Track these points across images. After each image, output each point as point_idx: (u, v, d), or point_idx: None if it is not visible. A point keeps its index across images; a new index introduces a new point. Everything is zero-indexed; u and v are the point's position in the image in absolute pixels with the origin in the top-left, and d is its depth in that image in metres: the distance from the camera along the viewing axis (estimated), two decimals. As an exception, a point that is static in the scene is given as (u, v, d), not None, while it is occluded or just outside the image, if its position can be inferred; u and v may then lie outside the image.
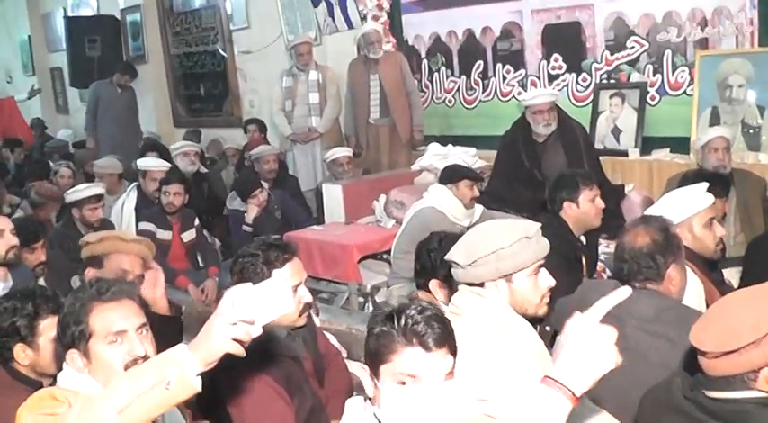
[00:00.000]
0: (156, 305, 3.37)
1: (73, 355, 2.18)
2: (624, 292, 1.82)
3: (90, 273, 3.33)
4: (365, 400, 2.12)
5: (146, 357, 2.14)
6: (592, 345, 1.70)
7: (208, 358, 1.76)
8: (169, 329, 3.26)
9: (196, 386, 1.74)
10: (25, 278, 4.16)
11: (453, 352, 1.98)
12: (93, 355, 2.16)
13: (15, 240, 4.13)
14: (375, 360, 2.00)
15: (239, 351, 1.76)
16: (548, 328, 3.35)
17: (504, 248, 2.54)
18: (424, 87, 7.70)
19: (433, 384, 1.93)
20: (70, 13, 12.23)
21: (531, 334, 2.63)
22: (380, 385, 2.00)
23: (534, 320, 2.72)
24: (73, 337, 2.16)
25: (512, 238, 2.55)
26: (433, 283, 3.32)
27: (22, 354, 2.73)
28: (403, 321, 1.96)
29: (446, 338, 1.97)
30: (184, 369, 1.73)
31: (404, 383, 1.95)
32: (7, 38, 14.79)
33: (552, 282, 2.64)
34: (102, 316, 2.17)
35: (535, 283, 2.63)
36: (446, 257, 2.70)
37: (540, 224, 2.68)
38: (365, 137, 7.59)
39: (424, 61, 7.70)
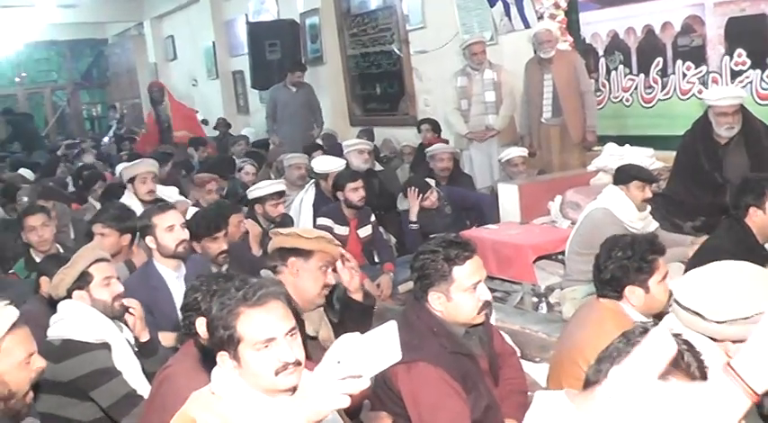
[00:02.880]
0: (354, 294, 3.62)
1: (223, 357, 2.16)
2: None
3: (293, 262, 3.46)
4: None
5: (296, 363, 2.13)
6: None
7: (313, 419, 1.86)
8: (360, 315, 3.58)
9: None
10: (198, 267, 4.33)
11: None
12: (243, 360, 2.13)
13: (186, 234, 4.32)
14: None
15: (347, 404, 1.82)
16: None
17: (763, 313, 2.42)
18: (600, 86, 7.57)
19: None
20: (252, 19, 12.69)
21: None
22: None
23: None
24: (222, 341, 2.15)
25: None
26: (631, 290, 3.19)
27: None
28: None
29: None
30: None
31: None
32: (193, 44, 15.61)
33: None
34: (250, 322, 2.13)
35: None
36: (683, 302, 2.50)
37: None
38: (537, 137, 7.55)
39: (602, 59, 7.56)
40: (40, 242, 5.40)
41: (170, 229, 4.23)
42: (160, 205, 4.45)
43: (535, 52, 7.52)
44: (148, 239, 4.27)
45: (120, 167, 7.92)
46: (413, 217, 6.38)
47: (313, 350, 2.24)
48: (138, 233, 4.71)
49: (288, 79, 10.27)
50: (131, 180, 6.18)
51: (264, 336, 2.12)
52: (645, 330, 1.91)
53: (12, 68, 21.94)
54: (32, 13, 16.42)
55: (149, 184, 6.16)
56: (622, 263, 3.17)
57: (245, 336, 2.12)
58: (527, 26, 7.89)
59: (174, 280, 4.23)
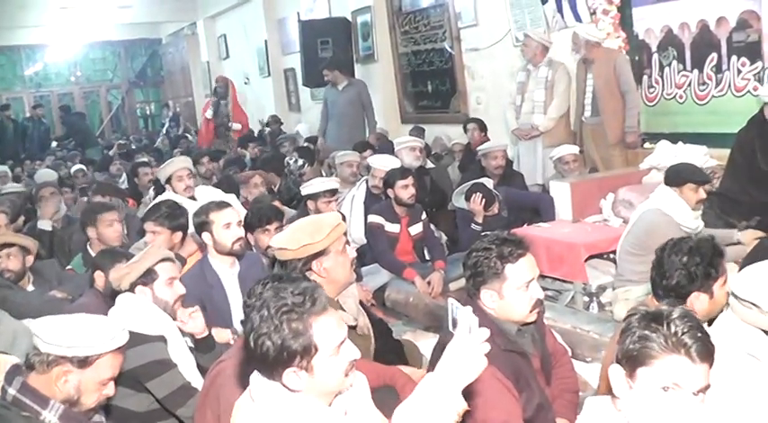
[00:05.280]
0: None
1: (289, 375, 2.08)
2: None
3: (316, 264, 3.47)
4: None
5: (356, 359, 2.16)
6: None
7: (464, 385, 1.94)
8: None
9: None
10: (252, 265, 4.40)
11: (711, 367, 1.98)
12: (317, 369, 2.08)
13: (242, 232, 4.39)
14: (633, 362, 2.01)
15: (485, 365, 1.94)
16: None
17: None
18: (654, 83, 7.47)
19: (692, 396, 1.94)
20: (304, 17, 12.74)
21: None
22: (636, 387, 2.02)
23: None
24: (294, 354, 2.05)
25: None
26: (696, 296, 3.14)
27: None
28: (669, 328, 1.96)
29: (710, 353, 1.96)
30: (460, 403, 1.94)
31: (667, 390, 1.96)
32: (245, 43, 15.75)
33: None
34: (322, 329, 2.09)
35: None
36: (740, 295, 2.54)
37: None
38: (581, 136, 7.49)
39: (655, 55, 7.46)
40: (115, 237, 5.50)
41: (227, 227, 4.29)
42: (218, 202, 4.50)
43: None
44: (205, 236, 4.33)
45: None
46: (479, 220, 6.37)
47: (351, 340, 2.24)
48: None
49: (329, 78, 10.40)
50: (168, 180, 6.28)
51: (338, 340, 2.12)
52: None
53: (68, 67, 22.41)
54: (89, 13, 16.70)
55: (186, 180, 6.24)
56: (690, 269, 3.11)
57: (320, 344, 2.08)
58: (579, 22, 7.83)
59: (230, 277, 4.29)
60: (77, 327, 2.58)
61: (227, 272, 4.30)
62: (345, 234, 3.57)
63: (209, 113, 13.08)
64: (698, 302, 3.11)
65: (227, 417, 2.64)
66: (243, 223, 4.53)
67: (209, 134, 13.23)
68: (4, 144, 15.15)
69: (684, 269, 3.11)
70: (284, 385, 2.11)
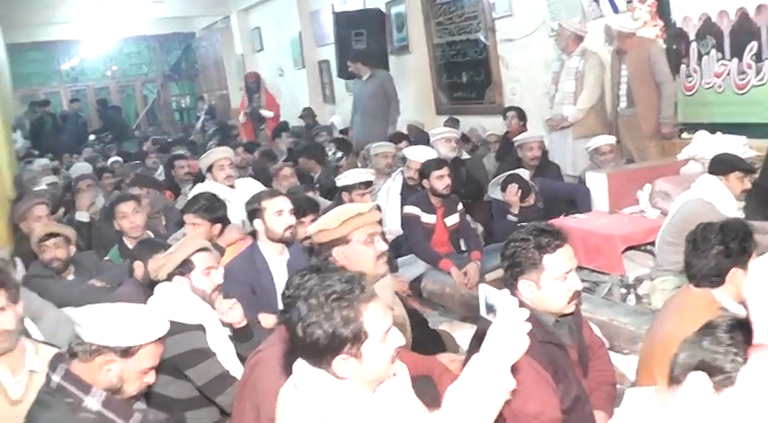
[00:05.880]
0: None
1: (339, 362, 2.10)
2: None
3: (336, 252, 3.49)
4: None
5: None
6: None
7: (511, 363, 2.01)
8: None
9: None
10: (300, 253, 4.44)
11: None
12: (365, 356, 2.11)
13: (293, 220, 4.42)
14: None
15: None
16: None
17: None
18: (692, 72, 7.38)
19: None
20: (337, 9, 12.73)
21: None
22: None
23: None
24: (344, 341, 2.07)
25: None
26: (733, 273, 3.15)
27: None
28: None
29: None
30: (510, 381, 2.00)
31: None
32: (279, 35, 15.78)
33: None
34: (371, 315, 2.11)
35: None
36: None
37: None
38: (616, 126, 7.43)
39: (693, 44, 7.35)
40: (132, 228, 5.59)
41: (279, 214, 4.34)
42: (270, 190, 4.55)
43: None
44: (257, 222, 4.38)
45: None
46: (514, 211, 6.36)
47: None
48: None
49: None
50: (209, 169, 6.34)
51: (386, 326, 2.14)
52: (731, 328, 1.89)
53: (104, 62, 22.65)
54: (124, 9, 16.85)
55: (227, 169, 6.33)
56: (728, 245, 3.15)
57: (370, 330, 2.10)
58: (615, 11, 7.75)
59: (278, 264, 4.34)
60: (120, 317, 2.61)
61: (276, 259, 4.34)
62: (377, 225, 3.55)
63: (242, 118, 13.22)
64: (735, 280, 3.11)
65: (266, 406, 2.67)
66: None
67: (249, 134, 13.34)
68: (42, 138, 15.35)
69: (721, 244, 3.16)
70: (333, 373, 2.12)
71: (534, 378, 2.70)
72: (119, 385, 2.59)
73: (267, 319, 4.00)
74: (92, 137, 17.19)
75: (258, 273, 4.27)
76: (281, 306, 4.09)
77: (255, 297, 3.94)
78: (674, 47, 7.31)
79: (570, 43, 7.61)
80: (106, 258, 5.75)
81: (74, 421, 2.51)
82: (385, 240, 3.66)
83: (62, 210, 7.36)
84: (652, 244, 5.31)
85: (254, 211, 4.40)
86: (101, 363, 2.56)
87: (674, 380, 1.96)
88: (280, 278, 4.24)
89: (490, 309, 2.11)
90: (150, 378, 2.69)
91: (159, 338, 2.65)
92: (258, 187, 6.17)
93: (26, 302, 4.40)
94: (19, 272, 5.34)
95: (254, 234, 4.54)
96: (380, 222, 3.63)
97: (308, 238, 4.68)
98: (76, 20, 17.66)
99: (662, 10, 7.44)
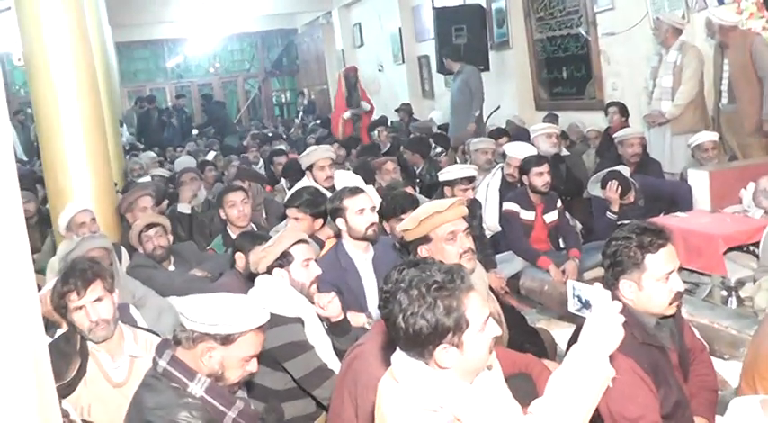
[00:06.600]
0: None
1: (440, 352, 2.12)
2: None
3: (422, 249, 3.52)
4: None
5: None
6: None
7: (608, 354, 2.10)
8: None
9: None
10: (386, 250, 4.39)
11: None
12: (466, 345, 2.13)
13: (375, 217, 4.41)
14: None
15: None
16: None
17: None
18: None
19: None
20: (438, 4, 12.66)
21: None
22: None
23: None
24: (447, 329, 2.10)
25: None
26: None
27: None
28: None
29: None
30: (610, 370, 2.09)
31: None
32: (380, 30, 15.87)
33: None
34: (472, 304, 2.14)
35: None
36: None
37: None
38: (718, 123, 7.21)
39: (801, 37, 7.12)
40: (240, 217, 5.72)
41: (361, 212, 4.31)
42: (351, 188, 4.55)
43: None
44: (339, 221, 4.37)
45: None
46: (614, 208, 6.26)
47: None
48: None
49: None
50: (309, 167, 6.34)
51: (485, 316, 2.17)
52: None
53: (208, 59, 23.26)
54: (227, 7, 17.18)
55: (327, 170, 6.28)
56: None
57: (471, 319, 2.13)
58: (720, 2, 7.52)
59: (364, 262, 4.32)
60: (221, 306, 2.68)
61: (362, 257, 4.33)
62: (460, 222, 3.53)
63: (346, 115, 13.30)
64: None
65: (364, 399, 2.70)
66: (377, 211, 4.57)
67: (348, 131, 13.44)
68: (149, 132, 15.86)
69: None
70: (435, 363, 2.14)
71: (634, 381, 2.67)
72: (221, 372, 2.67)
73: (356, 318, 3.98)
74: (195, 131, 17.63)
75: (344, 272, 4.25)
76: (369, 304, 4.16)
77: (342, 296, 3.96)
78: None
79: (668, 37, 7.40)
80: (209, 247, 5.90)
81: (179, 405, 2.60)
82: (475, 237, 3.65)
83: (166, 202, 7.55)
84: (755, 245, 5.15)
85: (335, 210, 4.39)
86: (202, 350, 2.65)
87: None
88: (366, 276, 4.26)
89: (583, 304, 2.18)
90: (252, 366, 2.75)
91: (259, 327, 2.71)
92: (356, 181, 6.22)
93: (132, 290, 4.59)
94: (124, 261, 5.51)
95: (338, 234, 4.55)
96: (466, 218, 3.60)
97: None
98: (182, 19, 18.15)
99: (769, 1, 7.18)
